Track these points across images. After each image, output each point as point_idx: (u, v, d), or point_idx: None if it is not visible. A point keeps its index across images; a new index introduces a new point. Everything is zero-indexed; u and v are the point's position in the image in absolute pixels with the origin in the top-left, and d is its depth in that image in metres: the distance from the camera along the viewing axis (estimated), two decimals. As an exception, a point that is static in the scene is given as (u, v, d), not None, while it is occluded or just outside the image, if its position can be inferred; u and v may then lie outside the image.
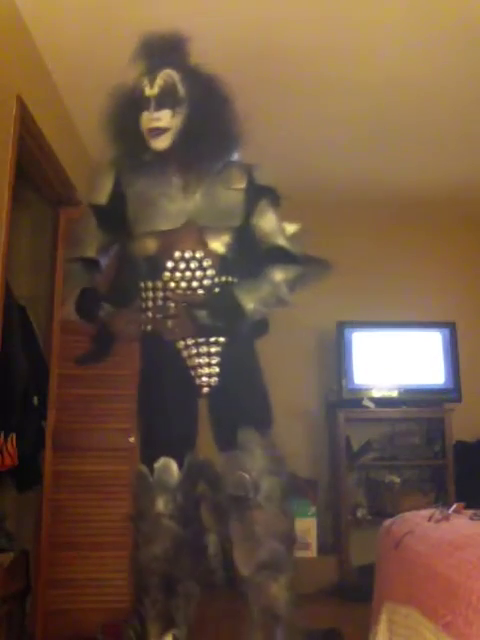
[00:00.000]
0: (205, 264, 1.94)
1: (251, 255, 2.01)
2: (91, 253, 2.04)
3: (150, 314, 1.96)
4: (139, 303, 1.99)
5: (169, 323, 1.93)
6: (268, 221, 2.02)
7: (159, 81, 1.90)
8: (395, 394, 3.95)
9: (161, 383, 1.98)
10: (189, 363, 1.96)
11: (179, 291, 1.93)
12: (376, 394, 3.94)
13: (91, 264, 2.05)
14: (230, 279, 1.98)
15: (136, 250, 2.00)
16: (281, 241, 2.00)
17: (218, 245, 1.95)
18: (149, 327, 1.97)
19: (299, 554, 3.65)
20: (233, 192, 1.99)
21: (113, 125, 1.96)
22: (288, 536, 1.92)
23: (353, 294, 4.16)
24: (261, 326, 2.08)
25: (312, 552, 3.72)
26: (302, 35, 2.72)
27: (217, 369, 1.96)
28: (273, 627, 1.82)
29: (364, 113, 3.34)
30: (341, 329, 4.00)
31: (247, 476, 1.85)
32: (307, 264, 2.02)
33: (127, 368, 2.65)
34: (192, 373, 1.96)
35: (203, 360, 1.95)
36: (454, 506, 2.11)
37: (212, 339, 1.96)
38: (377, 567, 2.20)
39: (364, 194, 4.27)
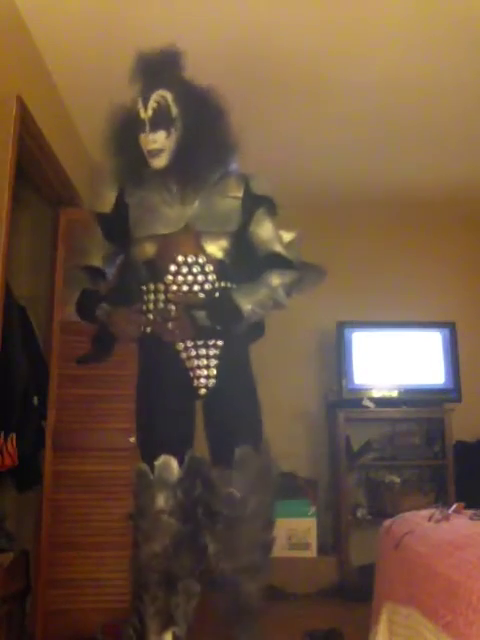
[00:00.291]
0: (207, 269, 1.99)
1: (248, 261, 2.07)
2: (97, 262, 2.10)
3: (151, 316, 2.00)
4: (140, 305, 2.03)
5: (169, 324, 1.96)
6: (265, 229, 2.08)
7: (152, 103, 1.96)
8: (395, 394, 3.95)
9: (161, 383, 2.02)
10: (188, 365, 2.01)
11: (181, 294, 1.97)
12: (376, 394, 3.94)
13: (96, 273, 2.11)
14: (229, 284, 2.03)
15: (136, 254, 2.05)
16: (278, 248, 2.07)
17: (215, 249, 2.02)
18: (149, 329, 2.00)
19: (299, 554, 3.69)
20: (230, 200, 2.07)
21: (114, 145, 2.03)
22: (268, 545, 2.03)
23: (353, 294, 4.16)
24: (257, 329, 2.14)
25: (312, 552, 3.71)
26: (301, 37, 2.72)
27: (215, 371, 2.01)
28: (244, 620, 1.95)
29: (364, 114, 3.34)
30: (341, 329, 4.00)
31: (237, 494, 1.93)
32: (303, 270, 2.09)
33: (127, 368, 2.64)
34: (191, 374, 2.01)
35: (202, 362, 2.00)
36: (454, 506, 2.11)
37: (211, 342, 2.01)
38: (377, 567, 2.20)
39: (364, 194, 4.27)
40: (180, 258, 1.98)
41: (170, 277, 1.98)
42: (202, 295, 1.97)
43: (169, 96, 1.96)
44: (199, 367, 2.00)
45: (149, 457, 1.94)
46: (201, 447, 2.03)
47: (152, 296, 2.00)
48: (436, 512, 2.05)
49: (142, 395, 2.07)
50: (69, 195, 3.38)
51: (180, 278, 1.98)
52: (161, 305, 1.98)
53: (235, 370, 2.04)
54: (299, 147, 3.68)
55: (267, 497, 2.00)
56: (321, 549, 3.78)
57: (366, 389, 3.94)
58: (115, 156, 2.05)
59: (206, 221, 2.03)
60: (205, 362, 2.00)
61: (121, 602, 2.59)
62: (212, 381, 2.01)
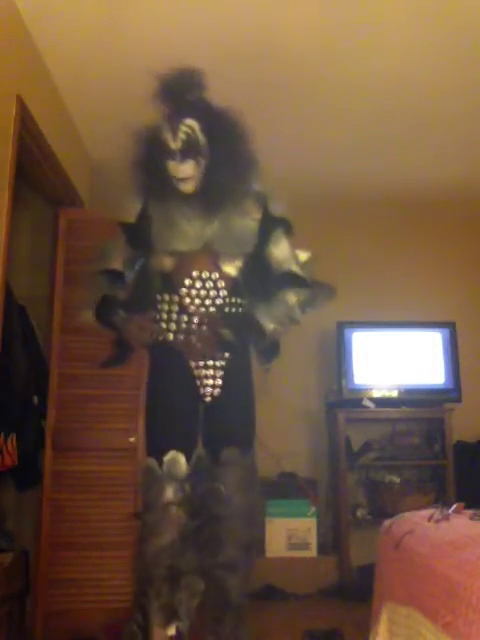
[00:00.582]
0: (219, 285, 2.12)
1: (263, 278, 2.18)
2: (117, 265, 2.18)
3: (164, 325, 2.12)
4: (153, 313, 2.14)
5: (194, 341, 2.08)
6: (282, 249, 2.18)
7: (181, 135, 2.03)
8: (395, 394, 3.95)
9: (170, 387, 2.13)
10: (196, 374, 2.13)
11: (193, 307, 2.10)
12: (376, 394, 3.93)
13: (116, 277, 2.18)
14: (239, 300, 2.16)
15: (154, 265, 2.16)
16: (294, 267, 2.17)
17: (231, 269, 2.13)
18: (162, 337, 2.12)
19: (299, 554, 3.69)
20: (249, 221, 2.16)
21: (141, 166, 2.11)
22: (250, 544, 2.12)
23: (353, 294, 4.15)
24: (275, 348, 2.27)
25: (312, 552, 3.71)
26: (302, 37, 2.72)
27: (220, 382, 2.14)
28: (227, 615, 2.01)
29: (364, 114, 3.34)
30: (341, 329, 4.00)
31: (223, 489, 2.03)
32: (316, 288, 2.21)
33: (127, 368, 2.65)
34: (197, 382, 2.13)
35: (209, 372, 2.14)
36: (454, 506, 2.11)
37: (219, 354, 2.14)
38: (377, 567, 2.20)
39: (364, 194, 4.27)
40: (195, 273, 2.10)
41: (184, 290, 2.10)
42: (213, 309, 2.10)
43: (196, 126, 2.03)
44: (206, 377, 2.13)
45: (158, 453, 2.03)
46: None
47: (166, 306, 2.13)
48: (436, 512, 2.05)
49: (152, 397, 2.18)
50: (69, 195, 3.38)
51: (194, 291, 2.10)
52: (174, 316, 2.10)
53: (238, 381, 2.18)
54: (299, 147, 3.68)
55: (250, 498, 2.10)
56: (321, 549, 3.77)
57: (366, 389, 3.94)
58: (141, 175, 2.13)
59: (224, 242, 2.12)
60: (212, 372, 2.14)
61: (121, 602, 2.60)
62: (217, 390, 2.14)
